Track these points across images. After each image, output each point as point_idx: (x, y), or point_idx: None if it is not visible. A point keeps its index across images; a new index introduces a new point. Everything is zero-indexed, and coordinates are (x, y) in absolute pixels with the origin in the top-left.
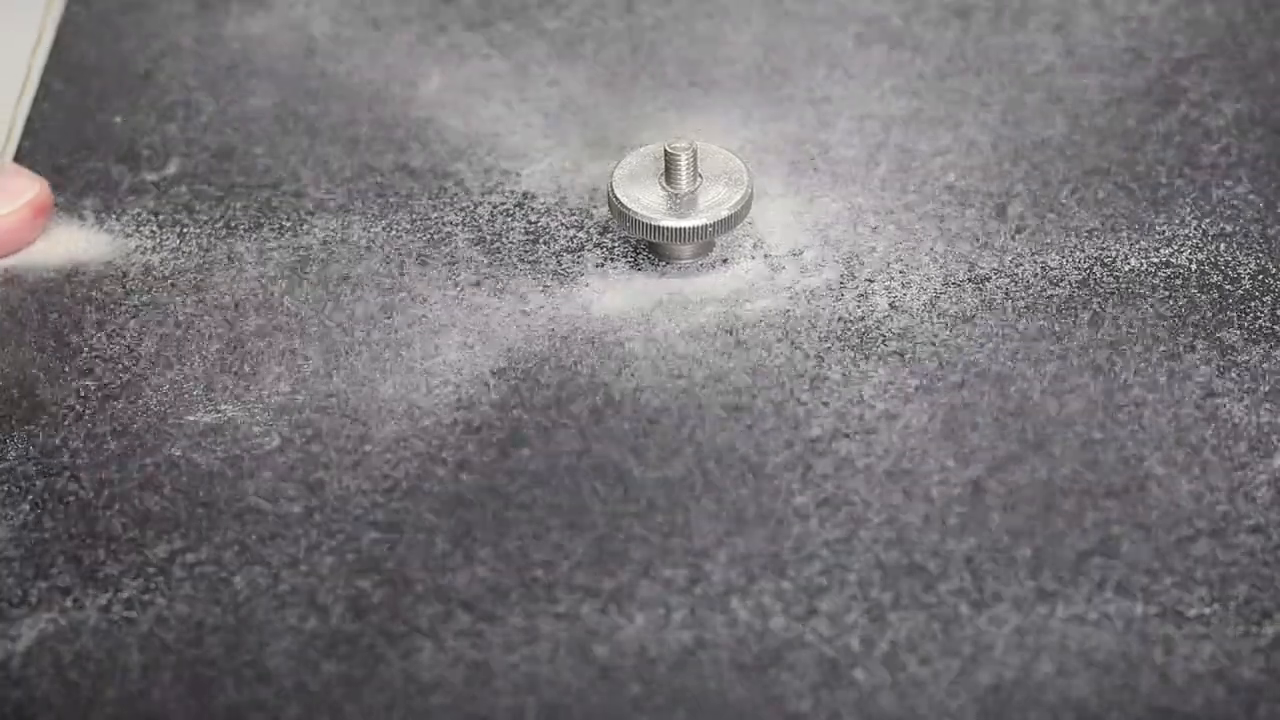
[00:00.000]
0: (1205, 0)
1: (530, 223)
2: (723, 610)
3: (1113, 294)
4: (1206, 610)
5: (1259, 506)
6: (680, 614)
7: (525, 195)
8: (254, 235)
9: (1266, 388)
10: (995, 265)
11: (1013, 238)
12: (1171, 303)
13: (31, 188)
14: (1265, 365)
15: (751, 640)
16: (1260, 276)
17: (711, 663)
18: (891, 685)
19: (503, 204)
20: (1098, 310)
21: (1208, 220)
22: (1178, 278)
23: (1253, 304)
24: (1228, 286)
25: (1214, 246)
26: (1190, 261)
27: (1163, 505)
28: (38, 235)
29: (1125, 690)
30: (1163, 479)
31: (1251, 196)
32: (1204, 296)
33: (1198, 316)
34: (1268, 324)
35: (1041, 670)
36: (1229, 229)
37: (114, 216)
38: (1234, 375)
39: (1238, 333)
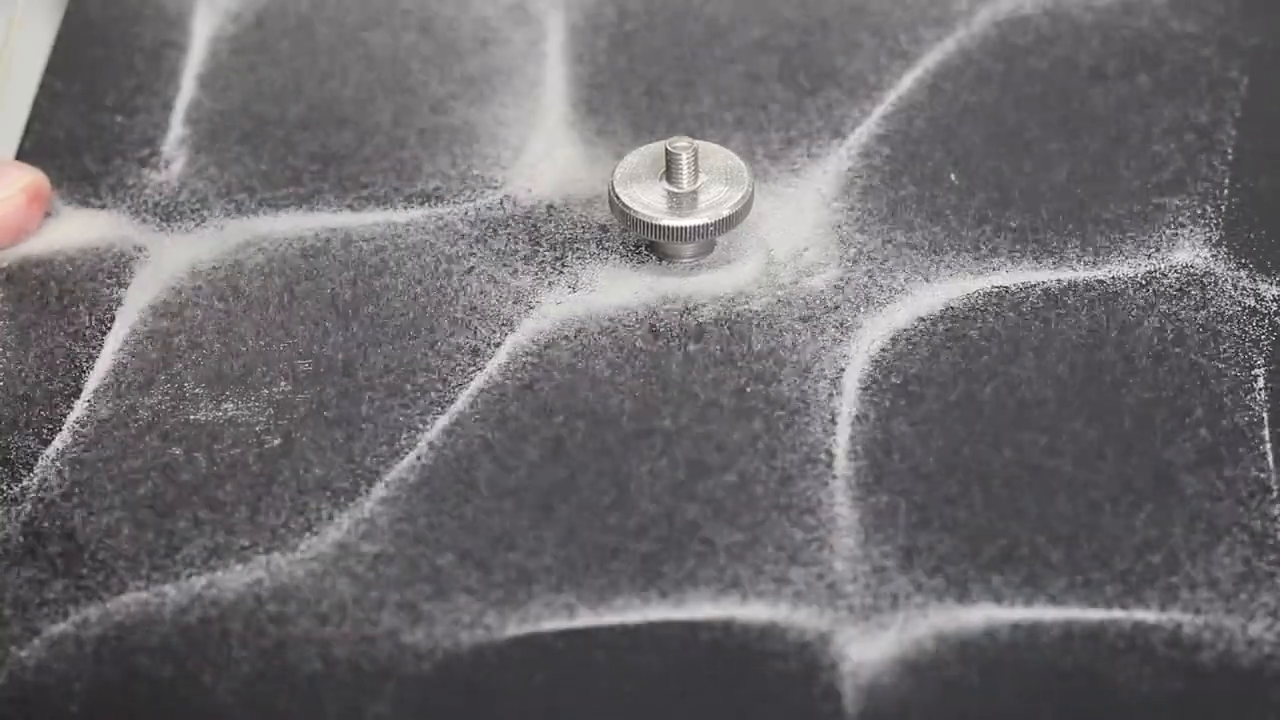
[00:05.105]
0: None
1: (530, 221)
2: (694, 584)
3: (1106, 296)
4: None
5: None
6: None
7: (525, 193)
8: (256, 230)
9: None
10: (999, 266)
11: (1015, 238)
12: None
13: (26, 175)
14: None
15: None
16: None
17: None
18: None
19: (503, 202)
20: (1101, 314)
21: None
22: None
23: None
24: None
25: None
26: None
27: None
28: (35, 224)
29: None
30: None
31: None
32: None
33: None
34: None
35: None
36: None
37: (116, 211)
38: None
39: None
